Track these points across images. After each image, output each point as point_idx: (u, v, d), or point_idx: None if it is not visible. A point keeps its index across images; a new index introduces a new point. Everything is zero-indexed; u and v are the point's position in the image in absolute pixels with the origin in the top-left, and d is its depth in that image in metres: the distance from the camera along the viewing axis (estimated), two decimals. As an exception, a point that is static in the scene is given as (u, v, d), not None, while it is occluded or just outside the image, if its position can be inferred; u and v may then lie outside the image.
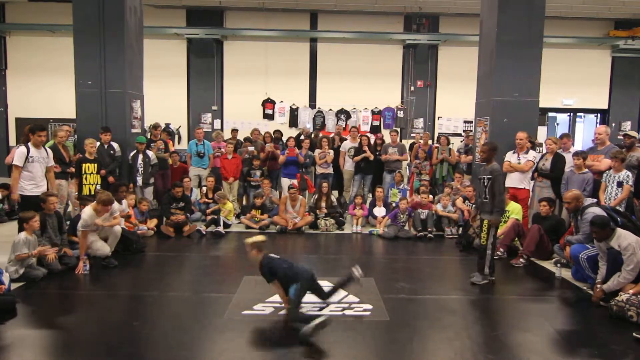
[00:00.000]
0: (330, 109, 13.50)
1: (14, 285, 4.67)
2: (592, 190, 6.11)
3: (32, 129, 5.85)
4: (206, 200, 8.27)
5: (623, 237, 4.49)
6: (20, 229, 5.15)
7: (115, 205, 6.07)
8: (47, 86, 13.01)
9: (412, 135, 13.17)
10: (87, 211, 5.52)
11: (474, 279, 5.18)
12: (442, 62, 13.65)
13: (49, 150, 6.12)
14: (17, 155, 5.66)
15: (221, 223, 7.43)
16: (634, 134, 6.46)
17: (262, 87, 13.45)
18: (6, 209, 8.21)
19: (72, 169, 7.13)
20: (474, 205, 7.37)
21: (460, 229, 7.22)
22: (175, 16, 13.15)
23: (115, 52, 7.72)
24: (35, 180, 5.74)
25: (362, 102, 13.51)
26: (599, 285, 4.70)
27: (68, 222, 5.97)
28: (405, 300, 4.67)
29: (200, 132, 9.15)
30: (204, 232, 7.33)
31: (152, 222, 7.30)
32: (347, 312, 4.30)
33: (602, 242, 4.66)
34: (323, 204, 7.89)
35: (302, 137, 9.73)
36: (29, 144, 5.81)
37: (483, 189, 5.13)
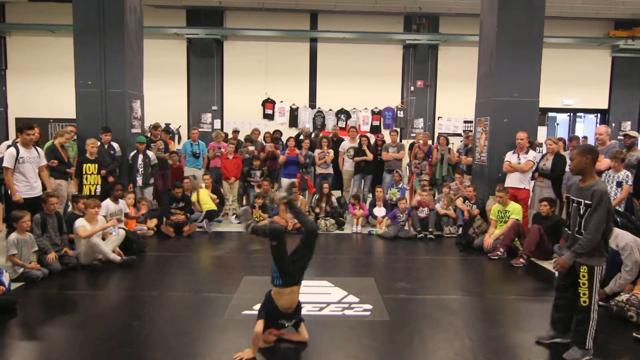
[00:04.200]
0: (330, 109, 13.49)
1: (14, 285, 4.67)
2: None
3: (20, 127, 5.78)
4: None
5: (621, 237, 4.50)
6: (11, 229, 5.13)
7: (111, 205, 6.07)
8: (47, 86, 13.00)
9: (412, 135, 13.17)
10: (80, 222, 5.60)
11: (571, 355, 3.42)
12: (442, 62, 13.64)
13: (40, 150, 6.04)
14: (6, 156, 5.58)
15: (204, 223, 7.49)
16: (634, 134, 6.47)
17: (262, 87, 13.44)
18: None
19: (72, 170, 7.11)
20: (474, 206, 7.38)
21: (460, 228, 7.22)
22: (175, 16, 13.14)
23: (115, 52, 7.72)
24: (29, 182, 5.67)
25: (362, 102, 13.50)
26: None
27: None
28: (405, 300, 4.66)
29: (195, 133, 9.22)
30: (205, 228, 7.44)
31: (152, 222, 7.30)
32: (347, 312, 4.30)
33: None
34: (324, 205, 7.90)
35: (301, 137, 9.73)
36: (18, 144, 5.73)
37: (577, 218, 3.36)
